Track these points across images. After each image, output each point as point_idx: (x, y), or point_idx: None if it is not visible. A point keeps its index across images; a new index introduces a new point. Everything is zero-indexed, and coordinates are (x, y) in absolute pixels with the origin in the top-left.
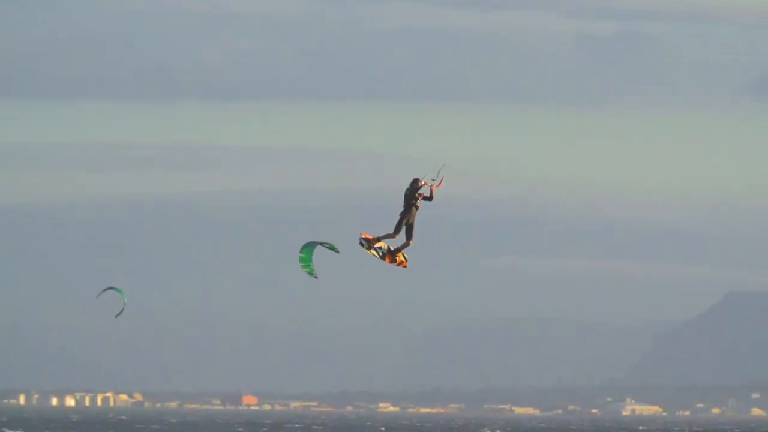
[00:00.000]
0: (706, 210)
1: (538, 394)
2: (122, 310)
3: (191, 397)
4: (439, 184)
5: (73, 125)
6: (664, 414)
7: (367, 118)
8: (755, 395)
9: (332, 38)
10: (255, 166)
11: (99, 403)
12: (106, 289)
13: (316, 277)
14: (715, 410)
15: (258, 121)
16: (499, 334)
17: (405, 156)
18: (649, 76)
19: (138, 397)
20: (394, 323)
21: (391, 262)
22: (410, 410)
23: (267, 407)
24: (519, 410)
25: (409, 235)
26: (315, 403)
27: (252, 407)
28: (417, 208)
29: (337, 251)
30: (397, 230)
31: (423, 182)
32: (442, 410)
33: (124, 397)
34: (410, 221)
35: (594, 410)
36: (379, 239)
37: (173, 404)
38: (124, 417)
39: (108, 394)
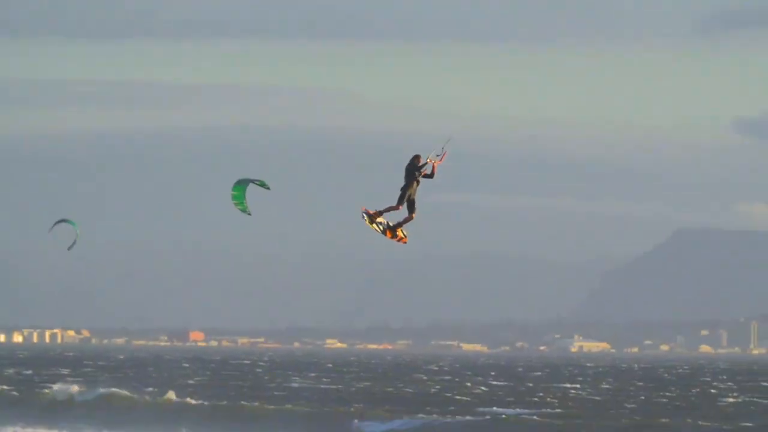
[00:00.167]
0: (657, 147)
1: (486, 331)
2: (74, 242)
3: (138, 334)
4: (441, 159)
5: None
6: (612, 350)
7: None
8: (704, 332)
9: None
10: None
11: (47, 339)
12: (58, 222)
13: (249, 214)
14: (664, 347)
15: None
16: (447, 271)
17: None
18: (598, 11)
19: (85, 333)
20: (342, 260)
21: (391, 237)
22: (358, 347)
23: (214, 343)
24: (467, 347)
25: (411, 209)
26: (262, 339)
27: (199, 343)
28: (418, 183)
29: (268, 188)
30: (400, 202)
31: (428, 159)
32: (389, 347)
33: (71, 333)
34: (411, 197)
35: (542, 347)
36: (380, 213)
37: (120, 341)
38: (71, 353)
39: (56, 331)
